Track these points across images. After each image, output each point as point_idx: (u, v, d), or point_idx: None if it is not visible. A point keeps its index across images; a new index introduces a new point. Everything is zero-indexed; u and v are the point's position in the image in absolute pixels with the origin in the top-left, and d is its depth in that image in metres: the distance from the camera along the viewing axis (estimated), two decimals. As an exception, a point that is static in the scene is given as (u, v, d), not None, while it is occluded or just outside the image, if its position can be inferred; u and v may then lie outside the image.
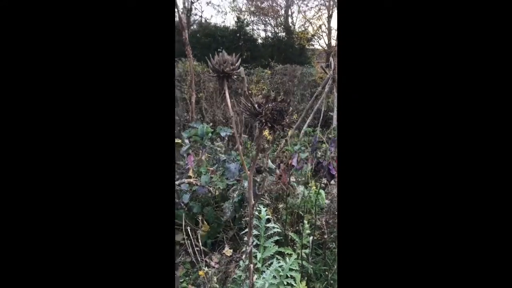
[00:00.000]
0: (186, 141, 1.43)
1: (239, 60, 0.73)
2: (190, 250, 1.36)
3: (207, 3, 9.50)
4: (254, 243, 1.02)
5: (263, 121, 0.62)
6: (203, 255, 1.35)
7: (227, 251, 1.50)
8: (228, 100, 0.76)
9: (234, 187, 1.53)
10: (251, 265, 0.85)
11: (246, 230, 1.17)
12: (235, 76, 0.74)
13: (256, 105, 0.63)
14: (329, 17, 8.75)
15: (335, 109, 2.24)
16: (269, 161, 1.59)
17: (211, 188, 1.50)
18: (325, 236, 1.14)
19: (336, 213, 1.26)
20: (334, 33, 8.72)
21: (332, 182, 1.54)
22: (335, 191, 1.49)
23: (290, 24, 9.29)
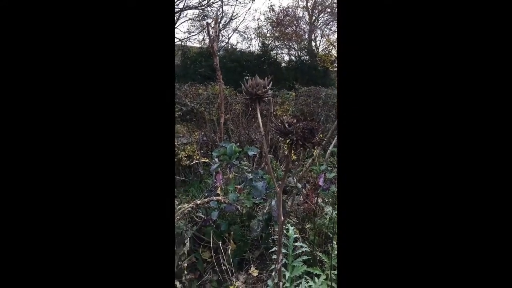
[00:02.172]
0: (216, 159, 1.49)
1: (270, 83, 0.78)
2: (217, 269, 1.37)
3: (233, 31, 10.02)
4: (283, 262, 1.02)
5: (295, 139, 0.65)
6: (229, 274, 1.36)
7: (253, 271, 1.49)
8: (260, 120, 0.81)
9: (260, 205, 1.55)
10: (281, 283, 0.85)
11: (273, 249, 1.18)
12: (266, 98, 0.80)
13: (286, 125, 0.67)
14: (353, 39, 8.82)
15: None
16: (294, 180, 1.60)
17: (238, 206, 1.53)
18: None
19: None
20: (358, 55, 8.73)
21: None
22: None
23: (314, 48, 9.50)
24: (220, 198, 1.42)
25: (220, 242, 1.29)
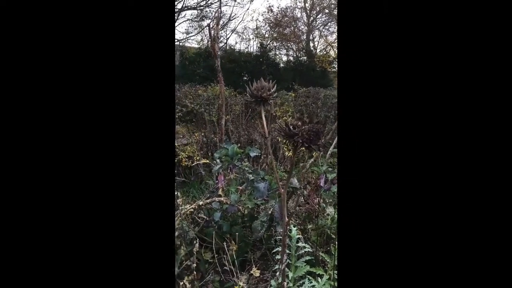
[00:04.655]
0: (218, 160, 1.50)
1: (275, 86, 0.79)
2: (219, 269, 1.38)
3: (232, 31, 10.02)
4: (286, 262, 1.03)
5: (300, 141, 0.66)
6: (231, 275, 1.37)
7: (255, 271, 1.50)
8: (264, 123, 0.82)
9: (262, 206, 1.56)
10: (285, 283, 0.86)
11: (276, 249, 1.19)
12: (270, 101, 0.81)
13: (291, 127, 0.68)
14: (351, 40, 8.85)
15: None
16: (296, 181, 1.61)
17: (240, 207, 1.54)
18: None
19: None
20: (356, 56, 8.77)
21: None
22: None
23: (312, 49, 9.53)
24: (222, 199, 1.43)
25: (224, 243, 1.30)
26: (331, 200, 1.58)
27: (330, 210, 1.34)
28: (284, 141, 0.73)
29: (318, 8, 9.80)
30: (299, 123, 0.68)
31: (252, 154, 1.52)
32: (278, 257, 1.01)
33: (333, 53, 8.87)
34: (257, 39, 9.55)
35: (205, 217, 1.56)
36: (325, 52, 9.05)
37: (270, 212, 1.37)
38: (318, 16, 10.01)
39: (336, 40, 9.21)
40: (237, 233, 1.37)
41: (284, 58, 9.20)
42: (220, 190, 1.57)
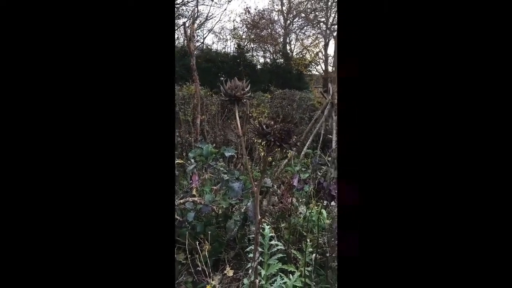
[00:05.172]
0: (192, 160, 1.48)
1: (249, 86, 0.80)
2: (192, 270, 1.36)
3: (209, 31, 9.93)
4: (259, 260, 1.04)
5: (272, 140, 0.68)
6: (204, 275, 1.36)
7: (228, 271, 1.50)
8: (238, 122, 0.83)
9: (236, 206, 1.56)
10: (257, 281, 0.87)
11: (249, 248, 1.19)
12: (244, 100, 0.82)
13: (264, 126, 0.69)
14: (326, 45, 9.18)
15: (334, 132, 2.32)
16: (269, 180, 1.64)
17: (214, 207, 1.53)
18: (327, 255, 1.17)
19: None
20: (330, 60, 9.09)
21: (333, 203, 1.58)
22: (336, 211, 1.52)
23: (288, 51, 9.68)
24: (196, 199, 1.41)
25: (196, 243, 1.29)
26: (303, 199, 1.61)
27: (303, 209, 1.38)
28: (258, 140, 0.74)
29: (294, 12, 9.98)
30: (272, 122, 0.70)
31: (227, 154, 1.53)
32: (251, 255, 1.02)
33: (308, 56, 9.08)
34: (234, 40, 9.55)
35: (178, 217, 1.53)
36: (301, 55, 9.24)
37: (243, 211, 1.38)
38: (295, 20, 10.20)
39: (311, 44, 9.44)
40: (209, 233, 1.36)
41: (261, 60, 9.28)
42: (194, 190, 1.55)
